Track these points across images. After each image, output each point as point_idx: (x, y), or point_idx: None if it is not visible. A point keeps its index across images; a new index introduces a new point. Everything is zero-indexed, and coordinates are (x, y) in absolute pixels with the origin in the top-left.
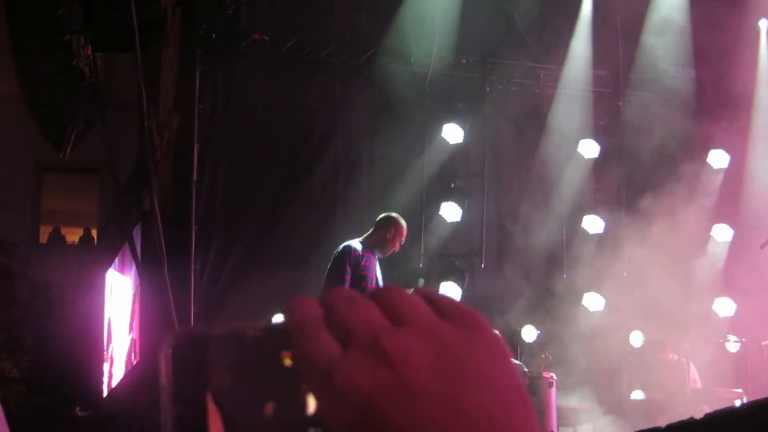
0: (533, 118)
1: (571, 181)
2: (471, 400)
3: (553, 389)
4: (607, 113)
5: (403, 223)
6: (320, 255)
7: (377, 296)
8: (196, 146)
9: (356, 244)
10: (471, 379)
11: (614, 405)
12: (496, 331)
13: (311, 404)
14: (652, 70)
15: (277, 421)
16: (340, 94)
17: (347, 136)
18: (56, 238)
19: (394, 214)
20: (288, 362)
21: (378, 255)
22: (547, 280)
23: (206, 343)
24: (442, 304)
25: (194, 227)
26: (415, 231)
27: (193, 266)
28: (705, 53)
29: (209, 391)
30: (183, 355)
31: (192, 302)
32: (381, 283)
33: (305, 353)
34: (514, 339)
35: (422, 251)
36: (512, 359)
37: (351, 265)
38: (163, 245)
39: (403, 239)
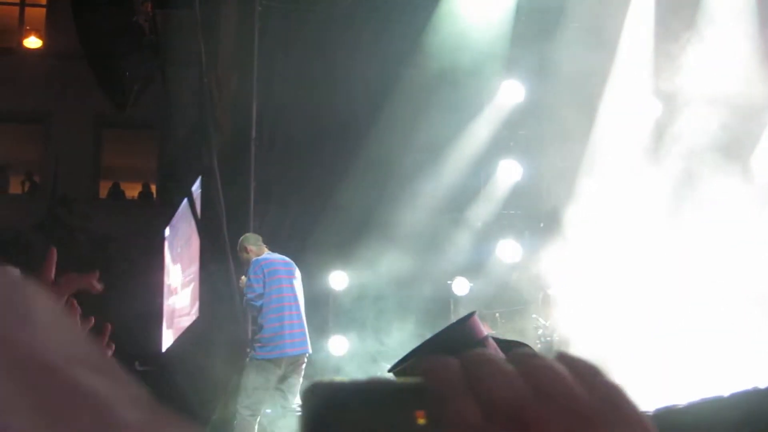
0: (594, 75)
1: (632, 140)
2: None
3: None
4: (670, 70)
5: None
6: (379, 210)
7: (521, 363)
8: (255, 102)
9: None
10: None
11: (672, 369)
12: (640, 410)
13: None
14: (713, 26)
15: None
16: (399, 51)
17: (406, 92)
18: (115, 193)
19: None
20: (421, 421)
21: None
22: (611, 239)
23: (343, 395)
24: (586, 376)
25: (253, 184)
26: (475, 189)
27: (251, 223)
28: None
29: None
30: (320, 405)
31: None
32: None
33: (446, 417)
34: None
35: (481, 210)
36: None
37: None
38: (222, 202)
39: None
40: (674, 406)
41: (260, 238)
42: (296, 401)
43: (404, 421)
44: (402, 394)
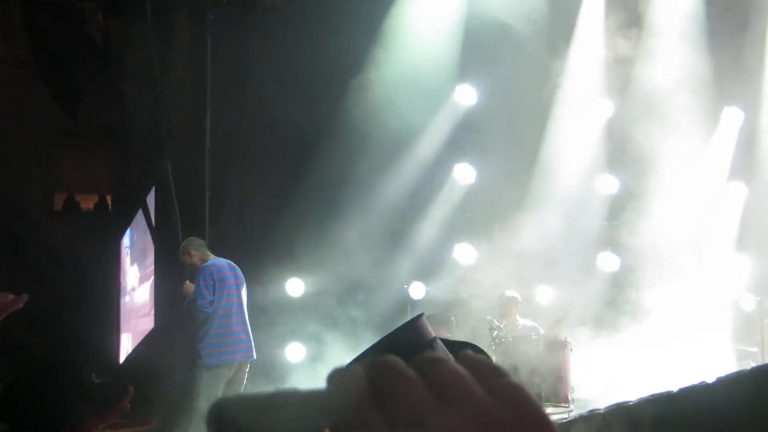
0: (546, 78)
1: (583, 142)
2: None
3: (567, 350)
4: (621, 74)
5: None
6: (335, 216)
7: (423, 368)
8: (208, 112)
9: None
10: None
11: (627, 367)
12: (542, 410)
13: None
14: (663, 28)
15: None
16: (356, 57)
17: (362, 100)
18: (71, 205)
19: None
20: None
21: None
22: (564, 241)
23: (248, 410)
24: (489, 377)
25: (208, 193)
26: (428, 193)
27: (207, 231)
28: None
29: None
30: (230, 419)
31: None
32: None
33: (349, 427)
34: (531, 300)
35: (437, 214)
36: None
37: None
38: (177, 211)
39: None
40: (625, 402)
41: (204, 243)
42: None
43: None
44: (307, 405)
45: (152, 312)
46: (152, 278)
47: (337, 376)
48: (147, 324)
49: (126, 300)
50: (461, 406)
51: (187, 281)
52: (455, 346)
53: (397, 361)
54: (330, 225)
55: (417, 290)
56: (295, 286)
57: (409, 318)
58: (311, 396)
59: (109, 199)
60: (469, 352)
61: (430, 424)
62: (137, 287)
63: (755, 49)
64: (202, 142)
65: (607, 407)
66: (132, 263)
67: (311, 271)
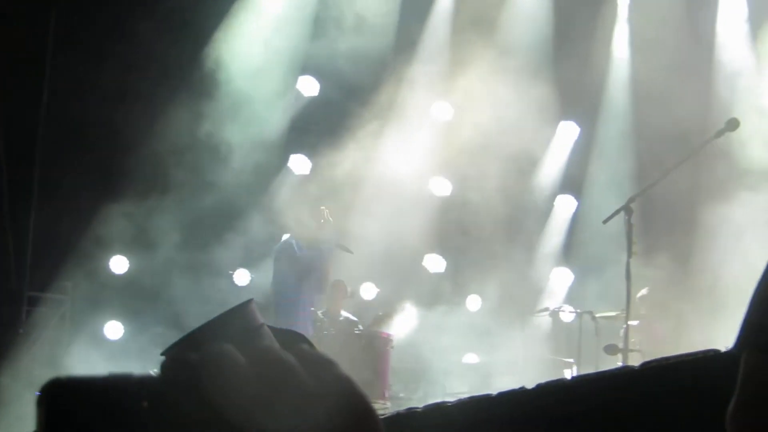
0: (387, 74)
1: (420, 144)
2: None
3: (389, 347)
4: (464, 81)
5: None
6: (164, 198)
7: (252, 356)
8: (44, 98)
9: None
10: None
11: (447, 368)
12: (367, 401)
13: None
14: (509, 39)
15: None
16: (199, 44)
17: (204, 89)
18: None
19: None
20: (145, 405)
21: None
22: (391, 239)
23: (84, 391)
24: (317, 367)
25: (38, 168)
26: (263, 182)
27: (34, 202)
28: (562, 20)
29: None
30: (59, 402)
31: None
32: None
33: (172, 410)
34: (355, 295)
35: (269, 202)
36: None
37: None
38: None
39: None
40: (443, 402)
41: None
42: None
43: (135, 414)
44: (134, 389)
45: None
46: None
47: (168, 363)
48: None
49: None
50: (282, 388)
51: None
52: (281, 334)
53: (229, 350)
54: (159, 205)
55: (242, 277)
56: (119, 264)
57: (235, 303)
58: (140, 380)
59: None
60: (302, 347)
61: (257, 414)
62: None
63: (597, 65)
64: (35, 115)
65: (425, 406)
66: None
67: (137, 251)
